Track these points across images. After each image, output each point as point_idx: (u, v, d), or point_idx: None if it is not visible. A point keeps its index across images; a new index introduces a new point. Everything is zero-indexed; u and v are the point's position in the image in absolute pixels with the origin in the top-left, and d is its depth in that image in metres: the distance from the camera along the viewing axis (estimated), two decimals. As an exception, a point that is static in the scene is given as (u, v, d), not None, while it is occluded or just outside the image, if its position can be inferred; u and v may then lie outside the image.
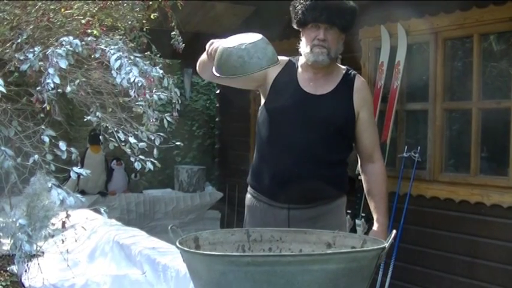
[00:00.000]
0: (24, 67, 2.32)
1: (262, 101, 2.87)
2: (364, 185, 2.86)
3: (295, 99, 2.75)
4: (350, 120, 2.76)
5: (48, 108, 2.32)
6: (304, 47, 2.75)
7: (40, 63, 2.30)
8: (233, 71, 2.33)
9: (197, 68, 2.83)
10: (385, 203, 2.80)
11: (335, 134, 2.73)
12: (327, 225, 2.52)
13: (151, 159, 2.50)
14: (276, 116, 2.77)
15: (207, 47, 2.55)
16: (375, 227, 2.76)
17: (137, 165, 2.49)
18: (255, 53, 2.28)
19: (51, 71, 2.22)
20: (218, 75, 2.39)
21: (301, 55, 2.80)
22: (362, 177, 2.87)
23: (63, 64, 2.25)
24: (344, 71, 2.83)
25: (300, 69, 2.82)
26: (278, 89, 2.79)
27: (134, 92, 2.32)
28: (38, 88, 2.28)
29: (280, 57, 2.85)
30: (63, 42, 2.30)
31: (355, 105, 2.76)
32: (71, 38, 2.33)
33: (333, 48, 2.71)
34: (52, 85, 2.22)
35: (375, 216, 2.78)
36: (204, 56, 2.67)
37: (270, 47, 2.34)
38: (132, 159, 2.48)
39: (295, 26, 2.79)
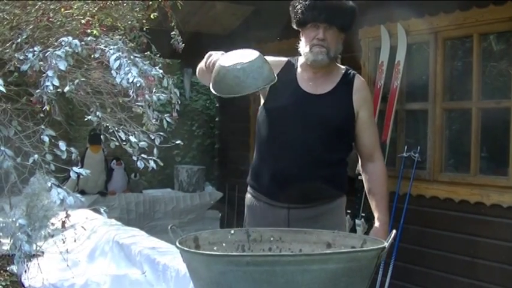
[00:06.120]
0: (24, 67, 2.32)
1: (262, 101, 2.87)
2: (365, 184, 2.86)
3: (294, 99, 2.75)
4: (350, 119, 2.76)
5: (47, 109, 2.32)
6: (303, 46, 2.75)
7: (40, 63, 2.30)
8: (229, 90, 2.32)
9: (197, 74, 2.83)
10: (385, 201, 2.81)
11: (334, 134, 2.73)
12: (326, 225, 2.51)
13: (154, 158, 2.50)
14: (276, 116, 2.77)
15: (205, 58, 2.55)
16: (376, 224, 2.77)
17: (140, 164, 2.49)
18: (250, 72, 2.28)
19: (50, 73, 2.22)
20: (214, 92, 2.38)
21: (300, 55, 2.80)
22: (362, 176, 2.88)
23: (62, 66, 2.25)
24: (343, 71, 2.83)
25: (299, 69, 2.82)
26: (277, 90, 2.79)
27: (133, 92, 2.32)
28: (38, 91, 2.28)
29: (278, 58, 2.87)
30: (63, 43, 2.30)
31: (355, 104, 2.76)
32: (70, 38, 2.33)
33: (332, 48, 2.71)
34: (51, 87, 2.22)
35: (375, 215, 2.79)
36: (202, 65, 2.66)
37: (267, 65, 2.34)
38: (134, 158, 2.48)
39: (294, 26, 2.79)
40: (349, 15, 2.71)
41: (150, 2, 3.39)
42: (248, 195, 2.91)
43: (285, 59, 2.87)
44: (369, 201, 2.85)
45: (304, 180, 2.69)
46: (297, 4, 2.73)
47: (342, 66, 2.86)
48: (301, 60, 2.83)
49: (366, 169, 2.85)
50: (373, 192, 2.82)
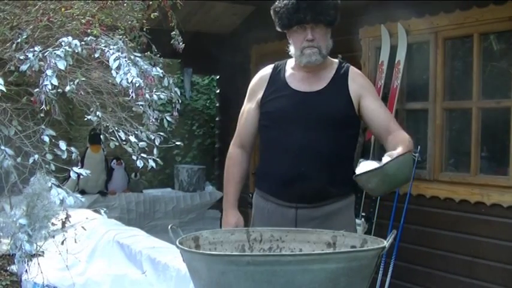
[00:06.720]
0: (23, 67, 2.32)
1: (253, 105, 2.86)
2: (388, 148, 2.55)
3: (291, 101, 2.74)
4: (349, 111, 2.72)
5: (47, 108, 2.32)
6: (294, 50, 2.74)
7: (40, 63, 2.30)
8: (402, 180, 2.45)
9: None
10: (406, 145, 2.47)
11: (336, 129, 2.70)
12: (334, 225, 2.48)
13: (153, 157, 2.50)
14: (275, 119, 2.76)
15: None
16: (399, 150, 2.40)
17: (139, 163, 2.49)
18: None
19: (49, 72, 2.22)
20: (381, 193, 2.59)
21: (291, 57, 2.80)
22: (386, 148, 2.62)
23: (61, 65, 2.25)
24: (337, 65, 2.81)
25: (289, 72, 2.81)
26: (272, 94, 2.80)
27: (132, 92, 2.32)
28: (36, 90, 2.28)
29: (263, 71, 2.88)
30: (62, 43, 2.30)
31: (353, 95, 2.72)
32: (70, 38, 2.33)
33: (323, 45, 2.71)
34: (50, 87, 2.22)
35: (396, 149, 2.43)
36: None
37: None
38: (134, 157, 2.48)
39: (279, 29, 2.79)
40: (333, 9, 2.69)
41: (150, 2, 3.39)
42: (256, 196, 2.90)
43: (269, 66, 2.88)
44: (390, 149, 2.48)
45: (310, 180, 2.67)
46: (278, 8, 2.71)
47: (335, 60, 2.85)
48: (291, 62, 2.82)
49: (387, 142, 2.64)
50: (395, 141, 2.55)
